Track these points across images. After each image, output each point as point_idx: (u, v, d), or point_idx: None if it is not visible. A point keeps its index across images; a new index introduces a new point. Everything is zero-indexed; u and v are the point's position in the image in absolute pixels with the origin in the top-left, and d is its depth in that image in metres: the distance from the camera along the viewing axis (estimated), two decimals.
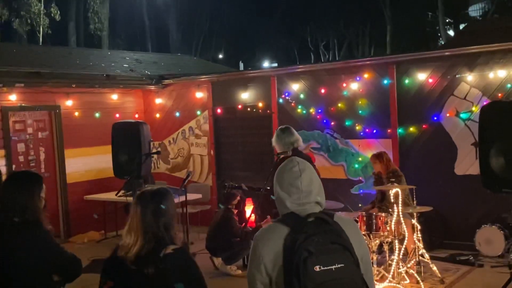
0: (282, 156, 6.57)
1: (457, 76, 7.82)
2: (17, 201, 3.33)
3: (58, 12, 23.21)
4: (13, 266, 3.27)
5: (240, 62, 33.16)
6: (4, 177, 5.77)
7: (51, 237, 3.40)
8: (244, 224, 7.50)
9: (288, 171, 2.44)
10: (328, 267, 2.19)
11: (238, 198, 7.74)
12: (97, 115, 10.20)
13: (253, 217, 7.44)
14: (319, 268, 2.18)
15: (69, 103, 9.74)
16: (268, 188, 6.47)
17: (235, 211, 7.69)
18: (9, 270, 3.28)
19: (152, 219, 2.74)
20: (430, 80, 8.02)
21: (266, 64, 36.08)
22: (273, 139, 5.68)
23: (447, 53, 8.15)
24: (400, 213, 6.22)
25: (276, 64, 34.51)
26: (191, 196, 8.77)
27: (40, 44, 22.29)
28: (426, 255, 6.52)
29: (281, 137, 5.59)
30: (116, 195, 8.98)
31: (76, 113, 9.92)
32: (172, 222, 2.80)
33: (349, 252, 2.26)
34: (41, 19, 22.93)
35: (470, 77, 7.71)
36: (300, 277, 2.18)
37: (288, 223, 2.33)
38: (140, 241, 2.70)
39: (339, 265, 2.21)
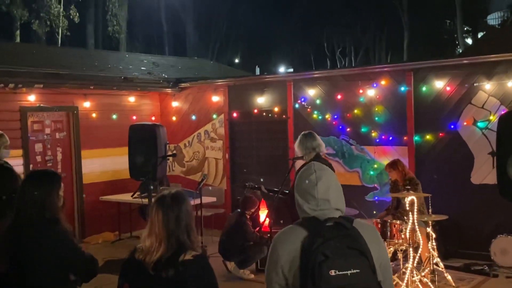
0: (296, 160, 6.60)
1: (475, 84, 7.77)
2: (36, 199, 3.36)
3: (77, 14, 23.48)
4: (30, 264, 3.30)
5: (257, 66, 33.23)
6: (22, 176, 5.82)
7: (70, 236, 3.43)
8: (258, 228, 7.51)
9: (305, 178, 2.47)
10: (344, 272, 2.20)
11: (256, 207, 7.75)
12: (114, 116, 10.28)
13: (267, 221, 7.44)
14: (335, 272, 2.20)
15: (86, 104, 9.83)
16: (283, 192, 6.45)
17: (248, 216, 7.69)
18: (27, 268, 3.31)
19: (175, 224, 2.74)
20: (448, 88, 7.98)
21: (282, 69, 36.12)
22: (296, 144, 5.64)
23: (465, 61, 8.10)
24: (415, 221, 6.19)
25: (292, 70, 34.52)
26: (205, 199, 8.80)
27: (59, 45, 22.52)
28: (441, 264, 6.49)
29: (303, 141, 5.54)
30: (131, 196, 9.04)
31: (94, 115, 10.01)
32: (192, 225, 2.81)
33: (365, 257, 2.26)
34: (60, 20, 23.20)
35: (488, 85, 7.66)
36: (315, 281, 2.20)
37: (306, 226, 2.36)
38: (164, 246, 2.70)
39: (354, 270, 2.22)
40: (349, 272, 2.21)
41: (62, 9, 23.24)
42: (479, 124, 7.75)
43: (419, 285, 6.19)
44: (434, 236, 6.46)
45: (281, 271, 2.34)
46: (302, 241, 2.31)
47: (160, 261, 2.68)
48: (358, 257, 2.25)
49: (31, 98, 9.08)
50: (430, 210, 6.52)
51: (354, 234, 2.31)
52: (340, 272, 2.20)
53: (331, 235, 2.27)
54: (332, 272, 2.19)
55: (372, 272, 2.28)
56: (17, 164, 8.26)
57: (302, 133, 5.71)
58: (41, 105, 9.23)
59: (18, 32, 23.26)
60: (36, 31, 23.54)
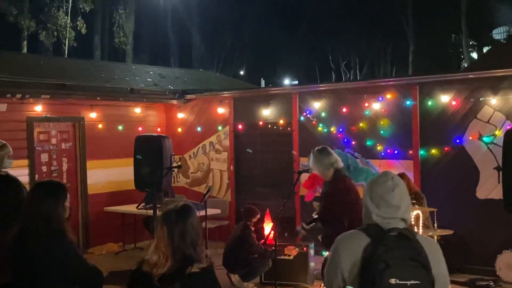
0: (302, 173, 6.59)
1: (480, 99, 7.78)
2: (42, 210, 3.37)
3: (84, 25, 23.64)
4: (36, 275, 3.30)
5: (262, 79, 33.33)
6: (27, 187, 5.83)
7: (75, 247, 3.43)
8: (262, 241, 7.49)
9: (381, 184, 2.51)
10: (404, 282, 2.26)
11: (258, 216, 7.75)
12: (120, 127, 10.31)
13: (271, 234, 7.42)
14: (395, 281, 2.26)
15: (93, 115, 9.87)
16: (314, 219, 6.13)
17: (253, 228, 7.69)
18: (32, 279, 3.31)
19: (180, 240, 2.74)
20: (454, 103, 7.99)
21: (286, 81, 36.22)
22: (310, 161, 5.39)
23: (471, 76, 8.12)
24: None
25: (296, 82, 34.62)
26: (210, 211, 8.78)
27: (66, 56, 22.66)
28: None
29: (319, 158, 5.29)
30: (137, 208, 9.05)
31: (100, 125, 10.03)
32: (198, 239, 2.81)
33: (426, 270, 2.32)
34: (67, 32, 23.36)
35: (494, 100, 7.66)
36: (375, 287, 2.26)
37: (370, 233, 2.41)
38: (170, 262, 2.71)
39: (414, 282, 2.27)
40: (409, 282, 2.26)
41: (69, 20, 23.41)
42: (484, 138, 7.74)
43: None
44: None
45: (340, 273, 2.40)
46: (365, 247, 2.36)
47: (166, 274, 2.68)
48: (419, 269, 2.30)
49: (38, 109, 9.12)
50: (435, 225, 6.50)
51: (416, 247, 2.36)
52: (400, 282, 2.26)
53: (394, 245, 2.33)
54: (393, 281, 2.25)
55: (431, 285, 2.33)
56: (22, 174, 8.29)
57: (316, 149, 5.45)
58: (48, 115, 9.27)
59: (25, 42, 23.43)
60: (43, 42, 23.69)
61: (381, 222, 2.44)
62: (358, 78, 32.47)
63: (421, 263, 2.32)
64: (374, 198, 2.48)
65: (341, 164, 5.39)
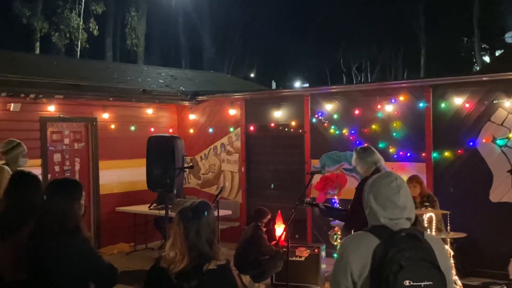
0: (314, 174, 6.59)
1: (494, 101, 7.72)
2: (58, 208, 3.38)
3: (96, 27, 23.79)
4: (51, 272, 3.32)
5: (273, 81, 33.32)
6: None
7: (90, 245, 3.45)
8: (274, 242, 7.48)
9: (386, 185, 2.49)
10: (418, 283, 2.26)
11: (269, 216, 7.75)
12: (132, 128, 10.35)
13: (283, 235, 7.42)
14: (409, 283, 2.25)
15: (105, 115, 9.91)
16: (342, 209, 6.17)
17: (264, 229, 7.68)
18: (48, 276, 3.33)
19: (196, 237, 2.75)
20: (467, 105, 7.94)
21: (297, 84, 36.19)
22: (354, 159, 5.40)
23: (484, 78, 8.06)
24: None
25: (307, 85, 34.56)
26: (221, 212, 8.77)
27: (78, 58, 22.80)
28: (459, 282, 6.41)
29: (363, 156, 5.29)
30: (148, 208, 9.06)
31: (112, 126, 10.08)
32: (214, 237, 2.81)
33: (438, 270, 2.31)
34: (80, 33, 23.50)
35: (508, 103, 7.61)
36: None
37: (379, 234, 2.39)
38: (187, 259, 2.71)
39: (428, 283, 2.27)
40: (423, 283, 2.26)
41: (81, 22, 23.56)
42: (498, 141, 7.68)
43: None
44: (452, 254, 6.39)
45: (350, 276, 2.38)
46: (375, 249, 2.35)
47: (183, 271, 2.69)
48: (431, 270, 2.30)
49: (51, 109, 9.17)
50: (448, 228, 6.46)
51: (427, 247, 2.36)
52: (415, 283, 2.25)
53: (405, 246, 2.32)
54: (407, 283, 2.24)
55: (444, 285, 2.33)
56: (35, 173, 8.32)
57: (360, 147, 5.47)
58: (61, 115, 9.32)
59: (38, 44, 23.60)
60: (55, 43, 23.85)
61: (389, 223, 2.42)
62: (369, 81, 32.36)
63: (433, 263, 2.31)
64: (379, 199, 2.46)
65: (383, 165, 5.35)
